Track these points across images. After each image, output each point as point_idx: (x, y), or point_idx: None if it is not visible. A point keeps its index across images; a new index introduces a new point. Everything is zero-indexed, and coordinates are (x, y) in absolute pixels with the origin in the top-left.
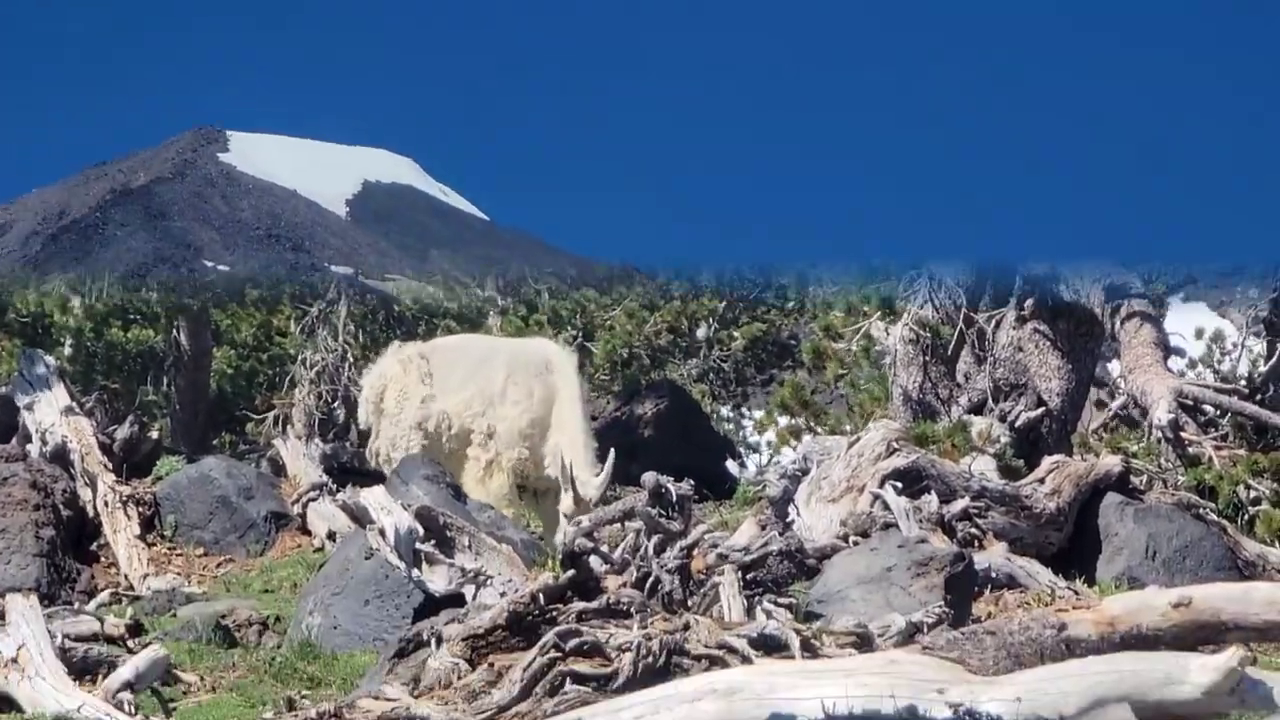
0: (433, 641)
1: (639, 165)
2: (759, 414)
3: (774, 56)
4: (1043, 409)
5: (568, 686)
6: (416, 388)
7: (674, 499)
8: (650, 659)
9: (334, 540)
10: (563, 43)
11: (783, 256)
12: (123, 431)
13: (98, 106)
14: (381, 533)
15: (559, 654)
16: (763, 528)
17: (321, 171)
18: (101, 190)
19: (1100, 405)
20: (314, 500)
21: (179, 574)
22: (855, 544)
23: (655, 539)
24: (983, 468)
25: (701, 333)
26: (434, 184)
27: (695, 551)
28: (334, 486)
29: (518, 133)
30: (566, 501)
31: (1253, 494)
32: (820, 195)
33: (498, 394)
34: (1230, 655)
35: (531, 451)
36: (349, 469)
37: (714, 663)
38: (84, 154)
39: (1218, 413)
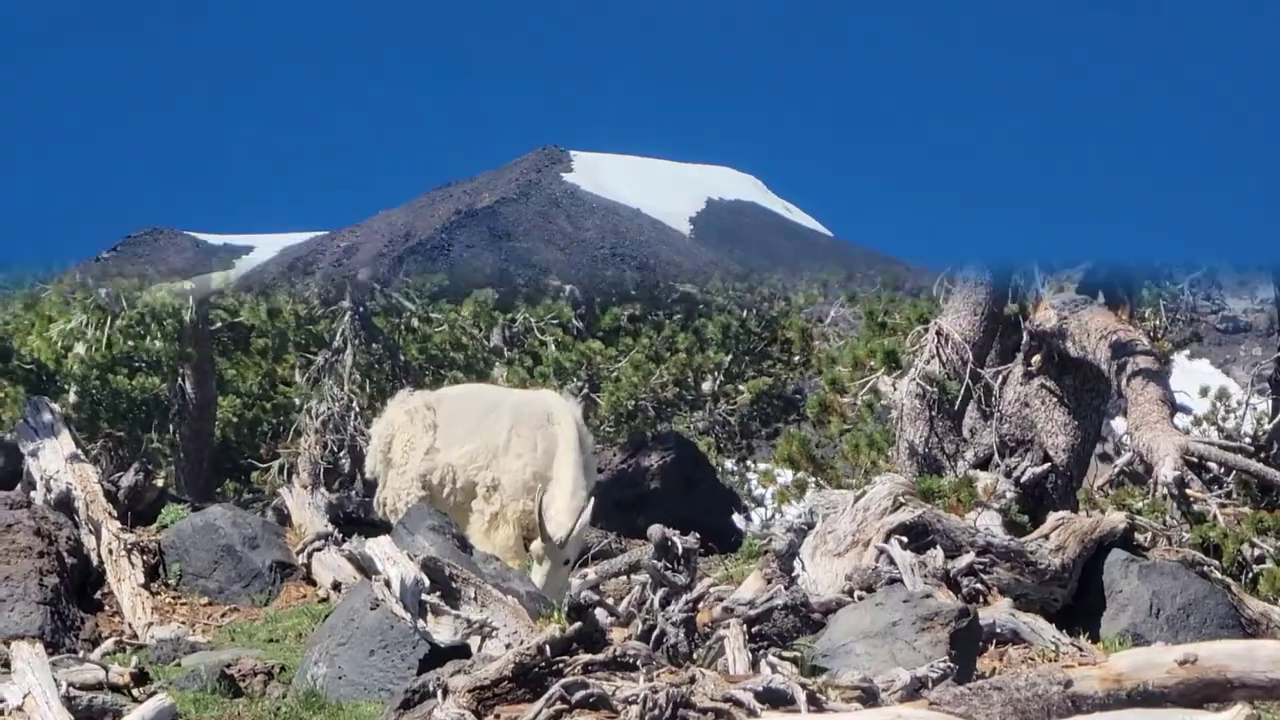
0: (438, 693)
1: (1000, 178)
2: (764, 467)
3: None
4: (1048, 465)
5: None
6: (422, 438)
7: (680, 552)
8: (656, 712)
9: (339, 590)
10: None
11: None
12: (127, 479)
13: (442, 129)
14: (387, 583)
15: (565, 706)
16: (768, 581)
17: (665, 190)
18: (446, 211)
19: (1106, 460)
20: (319, 550)
21: (183, 623)
22: (860, 598)
23: (661, 592)
24: (988, 523)
25: (707, 386)
26: (777, 200)
27: (701, 605)
28: (339, 536)
29: (862, 148)
30: (536, 543)
31: (1257, 552)
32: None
33: (501, 446)
34: (1236, 713)
35: (534, 504)
36: (354, 519)
37: (720, 716)
38: (429, 176)
39: (1223, 470)
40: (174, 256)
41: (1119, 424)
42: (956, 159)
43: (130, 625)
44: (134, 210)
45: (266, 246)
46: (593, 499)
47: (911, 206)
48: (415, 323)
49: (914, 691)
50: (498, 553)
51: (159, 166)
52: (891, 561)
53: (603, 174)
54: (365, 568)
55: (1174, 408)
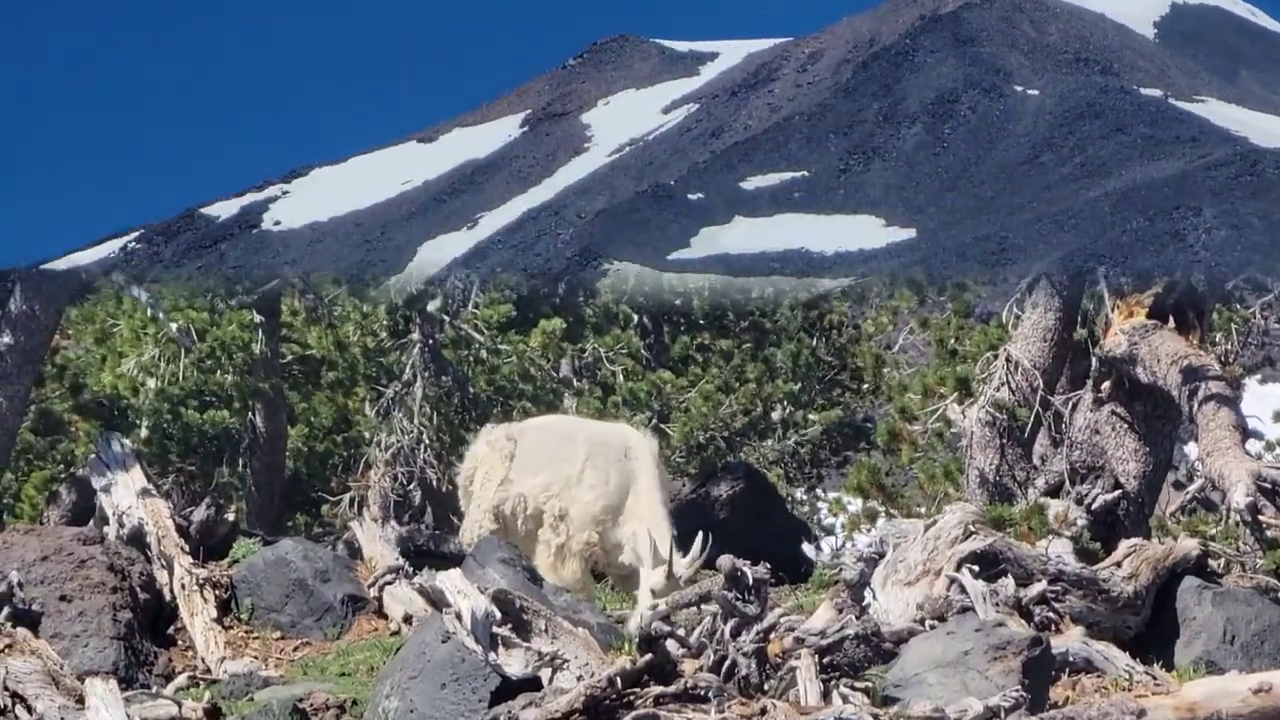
0: None
1: None
2: (834, 496)
3: None
4: (1120, 492)
5: None
6: (498, 469)
7: (750, 582)
8: None
9: (410, 624)
10: None
11: None
12: (199, 514)
13: None
14: (458, 616)
15: None
16: (839, 611)
17: None
18: (911, 17)
19: (1178, 487)
20: (390, 583)
21: (255, 657)
22: (932, 628)
23: (732, 623)
24: (1060, 551)
25: (777, 415)
26: (1242, 5)
27: (772, 635)
28: (410, 570)
29: None
30: (657, 577)
31: None
32: None
33: (574, 477)
34: None
35: (602, 537)
36: (425, 552)
37: None
38: None
39: None
40: (639, 64)
41: (1191, 450)
42: None
43: (203, 660)
44: (601, 19)
45: (731, 53)
46: (704, 533)
47: None
48: (484, 354)
49: None
50: (566, 587)
51: None
52: (963, 590)
53: None
54: (436, 601)
55: (1246, 433)
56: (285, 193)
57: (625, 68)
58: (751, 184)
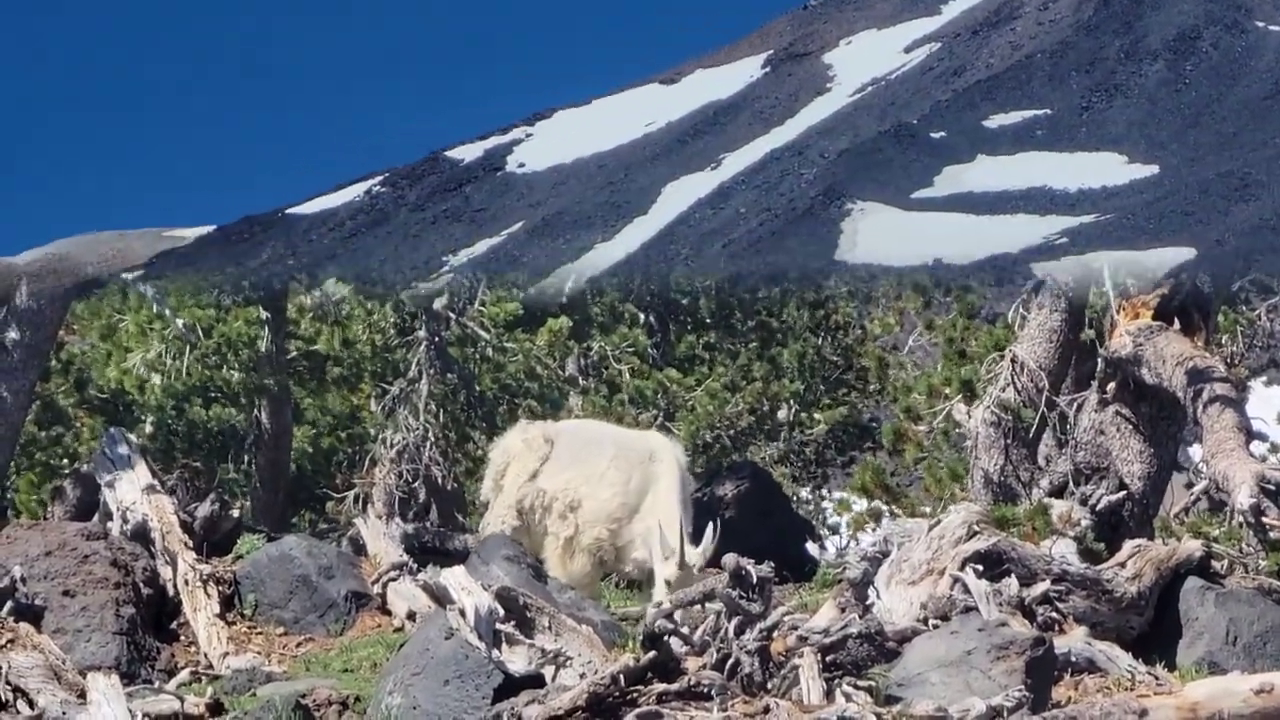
0: None
1: None
2: (839, 496)
3: None
4: (1124, 493)
5: None
6: (531, 467)
7: (754, 581)
8: None
9: (414, 620)
10: None
11: None
12: (203, 510)
13: None
14: (462, 613)
15: None
16: (842, 610)
17: None
18: None
19: (1187, 487)
20: (394, 580)
21: (259, 653)
22: (935, 627)
23: (735, 621)
24: (1063, 551)
25: (782, 415)
26: None
27: (775, 633)
28: (414, 566)
29: None
30: (670, 569)
31: None
32: None
33: (597, 476)
34: None
35: (613, 535)
36: (429, 549)
37: None
38: None
39: None
40: (880, 4)
41: (1195, 451)
42: None
43: (206, 655)
44: None
45: None
46: (714, 523)
47: None
48: (490, 352)
49: None
50: (574, 583)
51: None
52: (966, 590)
53: None
54: (440, 597)
55: (1250, 435)
56: (529, 135)
57: (867, 7)
58: (994, 122)
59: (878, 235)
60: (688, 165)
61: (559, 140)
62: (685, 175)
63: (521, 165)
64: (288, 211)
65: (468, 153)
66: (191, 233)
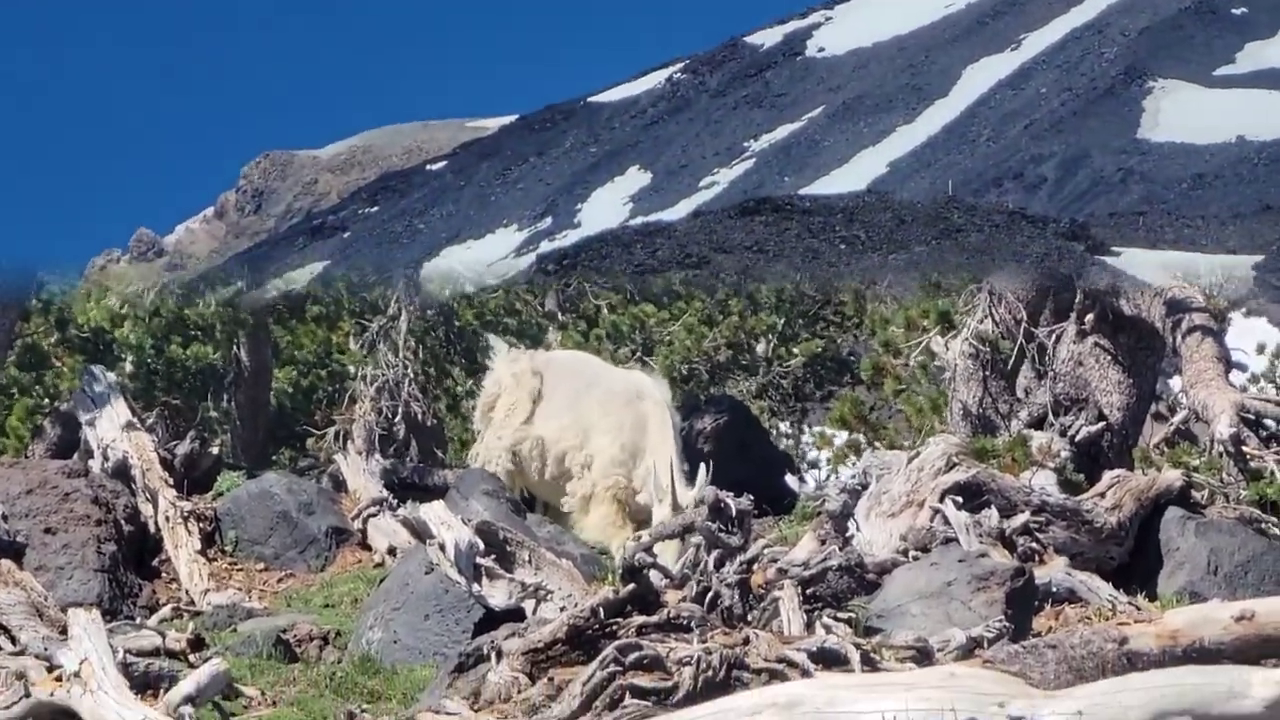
0: (493, 656)
1: None
2: (818, 429)
3: None
4: (1103, 424)
5: (628, 700)
6: (524, 405)
7: (733, 514)
8: (710, 673)
9: (394, 555)
10: None
11: None
12: (183, 447)
13: None
14: (442, 548)
15: (619, 668)
16: (822, 543)
17: None
18: None
19: (1161, 419)
20: (374, 516)
21: (240, 589)
22: (915, 559)
23: (715, 554)
24: (1043, 482)
25: (760, 349)
26: None
27: (755, 566)
28: (394, 502)
29: None
30: (664, 511)
31: None
32: None
33: (592, 425)
34: None
35: (626, 478)
36: (409, 484)
37: (774, 676)
38: None
39: (1279, 427)
40: None
41: (1175, 382)
42: None
43: (187, 592)
44: None
45: None
46: (706, 463)
47: None
48: (469, 288)
49: (969, 651)
50: (599, 534)
51: None
52: (946, 521)
53: None
54: (420, 533)
55: (1230, 365)
56: (828, 19)
57: None
58: None
59: (1180, 113)
60: (988, 46)
61: (858, 24)
62: (985, 56)
63: (821, 50)
64: (589, 100)
65: (767, 38)
66: (494, 123)
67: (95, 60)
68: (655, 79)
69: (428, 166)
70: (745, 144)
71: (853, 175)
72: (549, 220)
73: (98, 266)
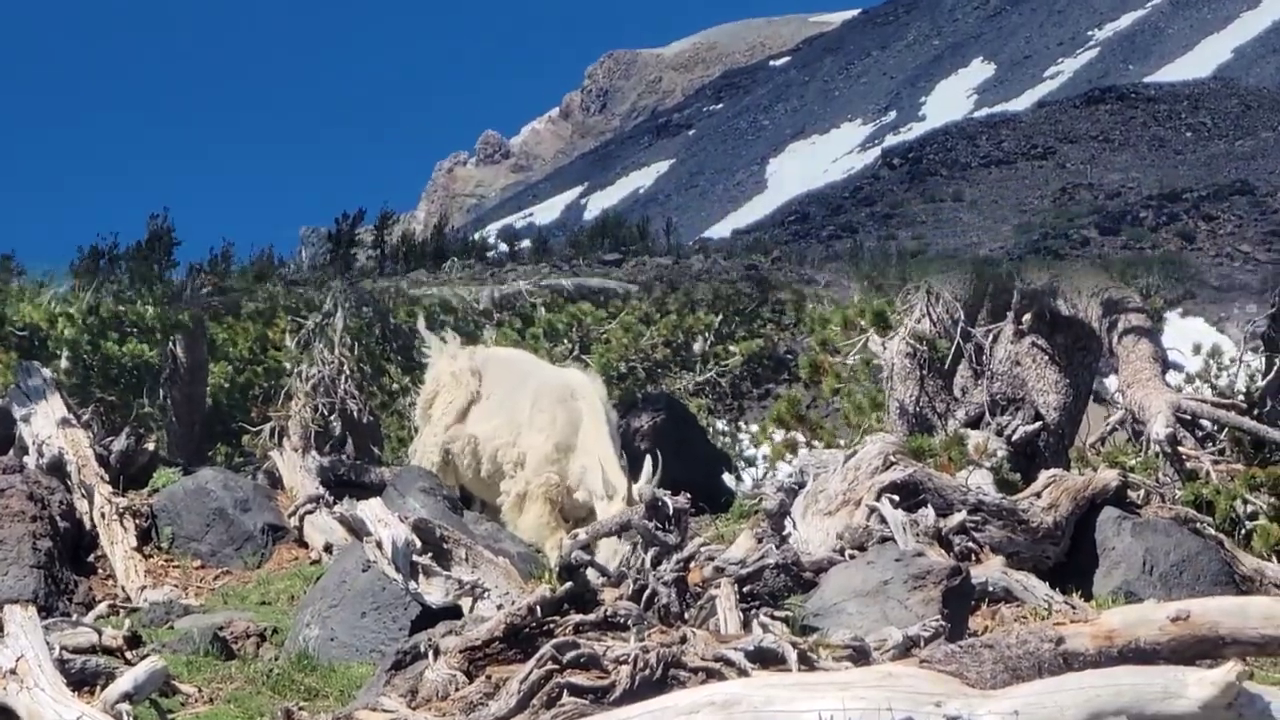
0: (430, 653)
1: None
2: (755, 428)
3: None
4: (1040, 423)
5: (565, 699)
6: (460, 404)
7: (670, 512)
8: (647, 672)
9: (331, 553)
10: None
11: None
12: (119, 443)
13: None
14: (379, 545)
15: (556, 666)
16: (759, 541)
17: None
18: None
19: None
20: (311, 513)
21: (176, 586)
22: (852, 557)
23: (652, 552)
24: (980, 481)
25: (698, 347)
26: None
27: (692, 565)
28: (331, 499)
29: None
30: (617, 507)
31: (1250, 509)
32: None
33: (524, 422)
34: (1228, 670)
35: (560, 476)
36: (345, 481)
37: (711, 675)
38: None
39: (1215, 428)
40: None
41: (1111, 382)
42: None
43: (123, 589)
44: None
45: None
46: (656, 453)
47: None
48: (405, 285)
49: (906, 650)
50: (533, 533)
51: None
52: (883, 520)
53: None
54: (357, 530)
55: (1166, 365)
56: None
57: None
58: None
59: None
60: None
61: None
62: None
63: None
64: None
65: None
66: (837, 17)
67: None
68: None
69: (771, 62)
70: (1089, 32)
71: (1197, 62)
72: (893, 114)
73: (445, 169)
